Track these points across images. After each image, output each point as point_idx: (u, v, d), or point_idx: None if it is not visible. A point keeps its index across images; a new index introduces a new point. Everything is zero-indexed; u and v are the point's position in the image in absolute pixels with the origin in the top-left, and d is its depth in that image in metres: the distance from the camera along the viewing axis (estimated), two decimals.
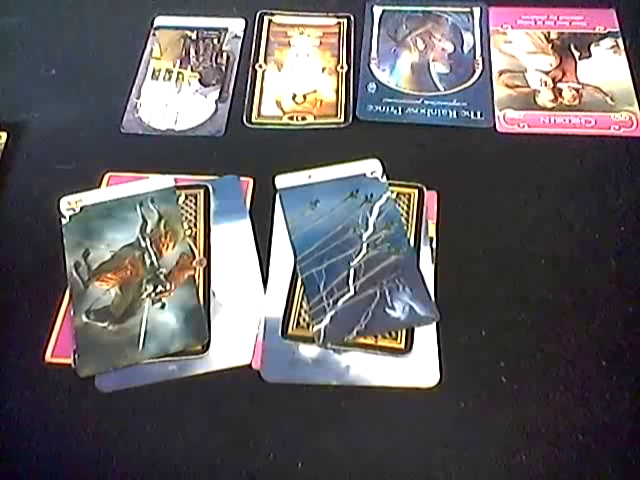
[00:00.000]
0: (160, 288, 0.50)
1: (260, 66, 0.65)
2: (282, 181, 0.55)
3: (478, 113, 0.60)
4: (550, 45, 0.66)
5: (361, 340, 0.48)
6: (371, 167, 0.55)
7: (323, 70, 0.65)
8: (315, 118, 0.61)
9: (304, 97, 0.63)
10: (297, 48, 0.67)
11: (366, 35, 0.67)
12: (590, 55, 0.64)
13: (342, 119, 0.61)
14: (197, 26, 0.68)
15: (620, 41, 0.65)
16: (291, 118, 0.61)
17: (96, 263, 0.51)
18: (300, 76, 0.65)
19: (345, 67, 0.65)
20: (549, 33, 0.66)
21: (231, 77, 0.64)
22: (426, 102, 0.62)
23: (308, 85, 0.64)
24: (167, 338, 0.48)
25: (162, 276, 0.50)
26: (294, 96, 0.63)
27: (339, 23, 0.68)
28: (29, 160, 0.59)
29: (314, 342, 0.48)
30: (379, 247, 0.51)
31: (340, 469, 0.44)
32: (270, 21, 0.69)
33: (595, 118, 0.60)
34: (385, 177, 0.55)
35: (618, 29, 0.66)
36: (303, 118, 0.61)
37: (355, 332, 0.47)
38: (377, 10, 0.69)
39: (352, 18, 0.68)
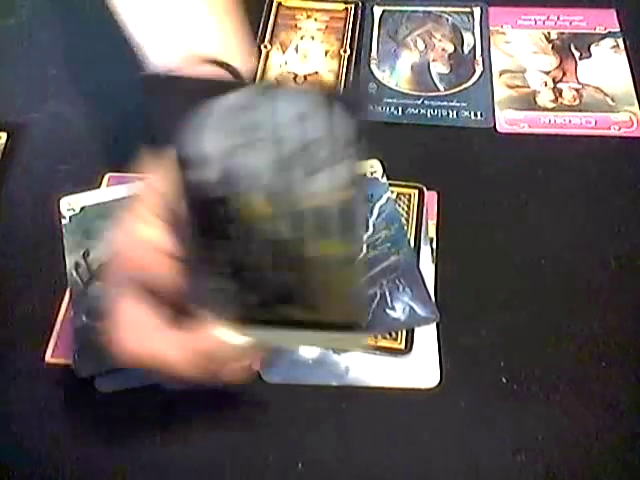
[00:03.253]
0: None
1: (265, 46, 0.66)
2: None
3: (478, 113, 0.60)
4: (550, 45, 0.65)
5: None
6: (371, 167, 0.55)
7: (326, 53, 0.66)
8: None
9: (305, 78, 0.64)
10: (303, 31, 0.68)
11: (366, 35, 0.67)
12: (590, 55, 0.64)
13: None
14: None
15: (620, 41, 0.65)
16: None
17: (96, 263, 0.51)
18: (303, 58, 0.66)
19: (348, 51, 0.65)
20: (549, 33, 0.66)
21: None
22: (426, 102, 0.62)
23: (310, 67, 0.65)
24: None
25: None
26: (295, 76, 0.64)
27: (346, 9, 0.69)
28: (29, 160, 0.59)
29: None
30: (379, 247, 0.51)
31: (340, 469, 0.43)
32: (279, 4, 0.70)
33: (595, 118, 0.59)
34: (385, 177, 0.55)
35: (618, 29, 0.66)
36: None
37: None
38: (377, 10, 0.69)
39: (360, 4, 0.69)
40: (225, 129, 0.27)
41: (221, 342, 0.34)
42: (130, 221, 0.37)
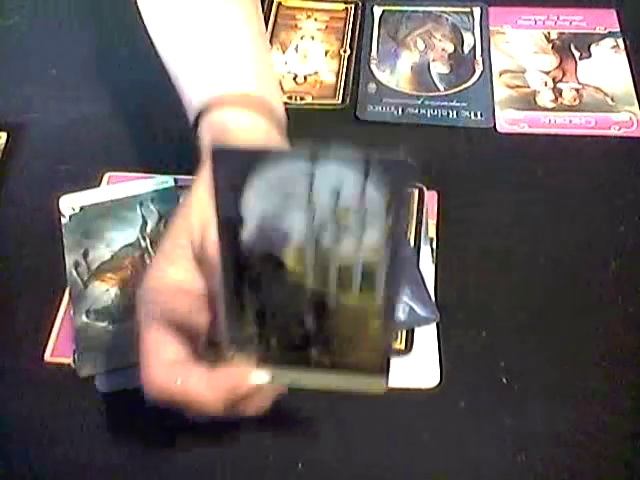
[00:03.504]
0: None
1: None
2: None
3: (478, 113, 0.60)
4: (550, 45, 0.66)
5: None
6: None
7: (326, 53, 0.66)
8: (313, 99, 0.62)
9: (305, 78, 0.64)
10: (303, 31, 0.68)
11: (366, 35, 0.67)
12: (590, 55, 0.64)
13: (339, 100, 0.62)
14: None
15: (620, 41, 0.65)
16: (290, 98, 0.62)
17: (96, 263, 0.51)
18: (303, 58, 0.66)
19: (348, 51, 0.66)
20: (549, 33, 0.66)
21: None
22: (426, 102, 0.62)
23: (310, 67, 0.65)
24: None
25: None
26: (295, 77, 0.64)
27: (346, 9, 0.69)
28: (29, 160, 0.59)
29: None
30: None
31: (340, 469, 0.43)
32: (279, 4, 0.70)
33: (595, 118, 0.60)
34: None
35: (618, 29, 0.66)
36: (302, 98, 0.62)
37: None
38: (377, 10, 0.69)
39: (360, 4, 0.70)
40: (264, 193, 0.30)
41: (247, 379, 0.36)
42: (160, 262, 0.38)
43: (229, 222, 0.31)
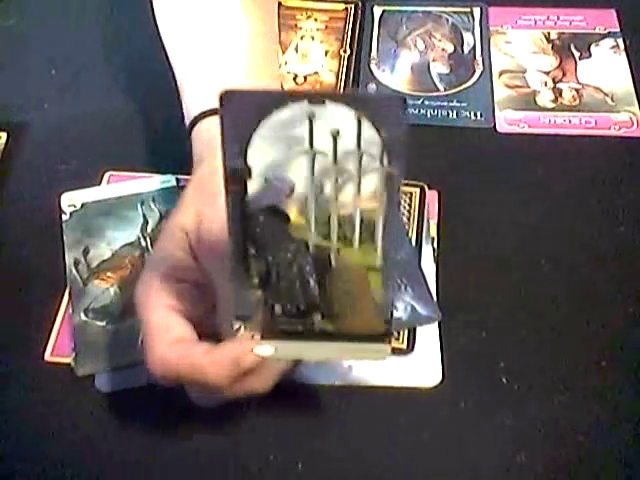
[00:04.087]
0: None
1: None
2: None
3: (478, 113, 0.60)
4: (550, 45, 0.66)
5: None
6: None
7: (326, 53, 0.66)
8: None
9: (305, 78, 0.64)
10: (303, 31, 0.68)
11: (366, 35, 0.67)
12: (590, 55, 0.64)
13: None
14: None
15: (620, 41, 0.65)
16: None
17: (96, 261, 0.51)
18: (303, 58, 0.66)
19: (348, 51, 0.66)
20: (549, 33, 0.67)
21: None
22: (426, 102, 0.62)
23: (310, 67, 0.65)
24: None
25: None
26: (295, 77, 0.64)
27: (346, 9, 0.69)
28: (29, 160, 0.59)
29: None
30: None
31: (340, 469, 0.43)
32: (279, 4, 0.70)
33: (595, 118, 0.60)
34: None
35: (618, 29, 0.66)
36: None
37: None
38: (377, 10, 0.69)
39: (360, 4, 0.69)
40: (269, 143, 0.30)
41: (251, 351, 0.35)
42: (157, 257, 0.40)
43: (235, 173, 0.31)
